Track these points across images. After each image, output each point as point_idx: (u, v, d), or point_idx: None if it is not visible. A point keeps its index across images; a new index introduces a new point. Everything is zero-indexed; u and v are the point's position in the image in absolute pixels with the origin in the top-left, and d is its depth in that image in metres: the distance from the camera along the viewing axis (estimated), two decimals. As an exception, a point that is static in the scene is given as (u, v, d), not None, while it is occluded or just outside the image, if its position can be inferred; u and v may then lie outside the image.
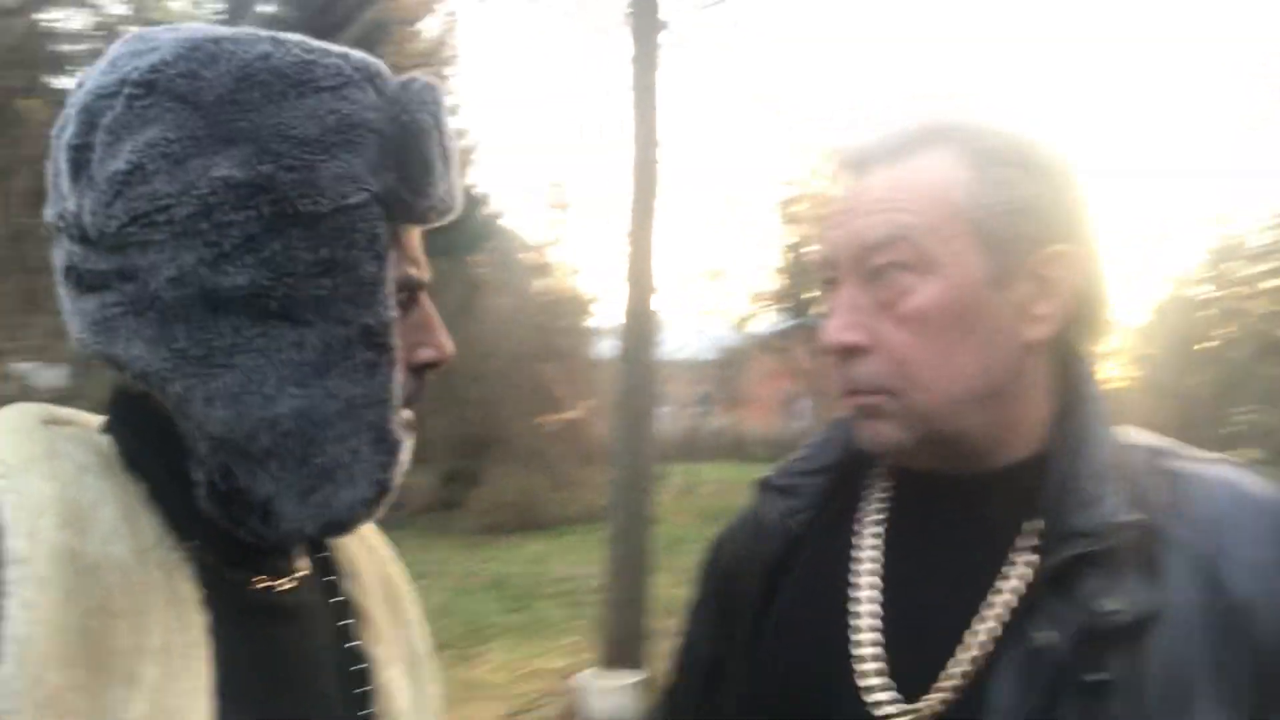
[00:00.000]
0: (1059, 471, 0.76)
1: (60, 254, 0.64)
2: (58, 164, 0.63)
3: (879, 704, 0.75)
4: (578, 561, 10.13)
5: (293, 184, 0.60)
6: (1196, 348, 14.28)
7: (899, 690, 0.75)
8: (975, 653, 0.73)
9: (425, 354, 0.70)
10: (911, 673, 0.75)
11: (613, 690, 5.08)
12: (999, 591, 0.75)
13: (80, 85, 0.64)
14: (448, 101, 0.69)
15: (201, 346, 0.60)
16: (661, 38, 5.66)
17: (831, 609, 0.81)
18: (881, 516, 0.85)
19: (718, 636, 0.93)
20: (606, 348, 15.11)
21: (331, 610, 0.75)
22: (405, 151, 0.64)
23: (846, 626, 0.79)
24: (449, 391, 13.66)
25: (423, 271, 0.70)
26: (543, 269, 17.39)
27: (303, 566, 0.73)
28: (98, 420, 0.70)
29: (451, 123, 0.69)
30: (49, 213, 0.64)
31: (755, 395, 24.05)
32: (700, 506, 14.98)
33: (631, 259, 5.52)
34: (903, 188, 0.76)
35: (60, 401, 0.70)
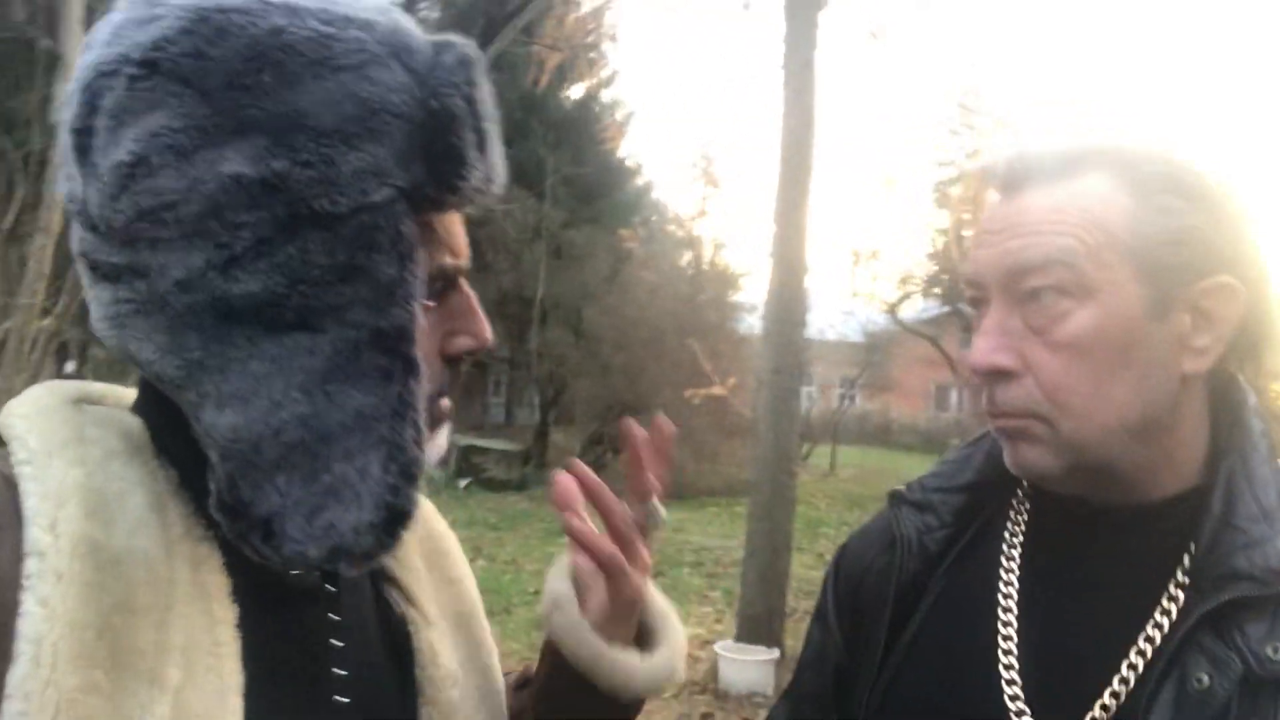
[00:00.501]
0: (1218, 509, 0.73)
1: (74, 236, 0.60)
2: (63, 143, 0.58)
3: None
4: (716, 534, 10.25)
5: (309, 182, 0.55)
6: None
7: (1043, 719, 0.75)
8: (1126, 688, 0.72)
9: (462, 342, 0.66)
10: (1057, 704, 0.75)
11: (751, 664, 5.13)
12: (1155, 627, 0.73)
13: (84, 54, 0.58)
14: (484, 75, 0.62)
15: (216, 357, 0.56)
16: (820, 16, 5.56)
17: (977, 633, 0.81)
18: (1024, 540, 0.84)
19: (847, 644, 0.94)
20: (753, 323, 15.04)
21: (367, 577, 0.73)
22: (435, 140, 0.58)
23: (994, 650, 0.79)
24: (594, 357, 13.97)
25: (460, 258, 0.66)
26: (691, 242, 17.43)
27: None
28: (131, 395, 0.67)
29: (490, 96, 0.62)
30: (61, 188, 0.60)
31: (902, 382, 23.39)
32: (841, 489, 14.81)
33: (781, 237, 5.48)
34: (1061, 210, 0.74)
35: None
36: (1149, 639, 0.73)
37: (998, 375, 0.77)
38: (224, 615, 0.60)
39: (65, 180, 0.59)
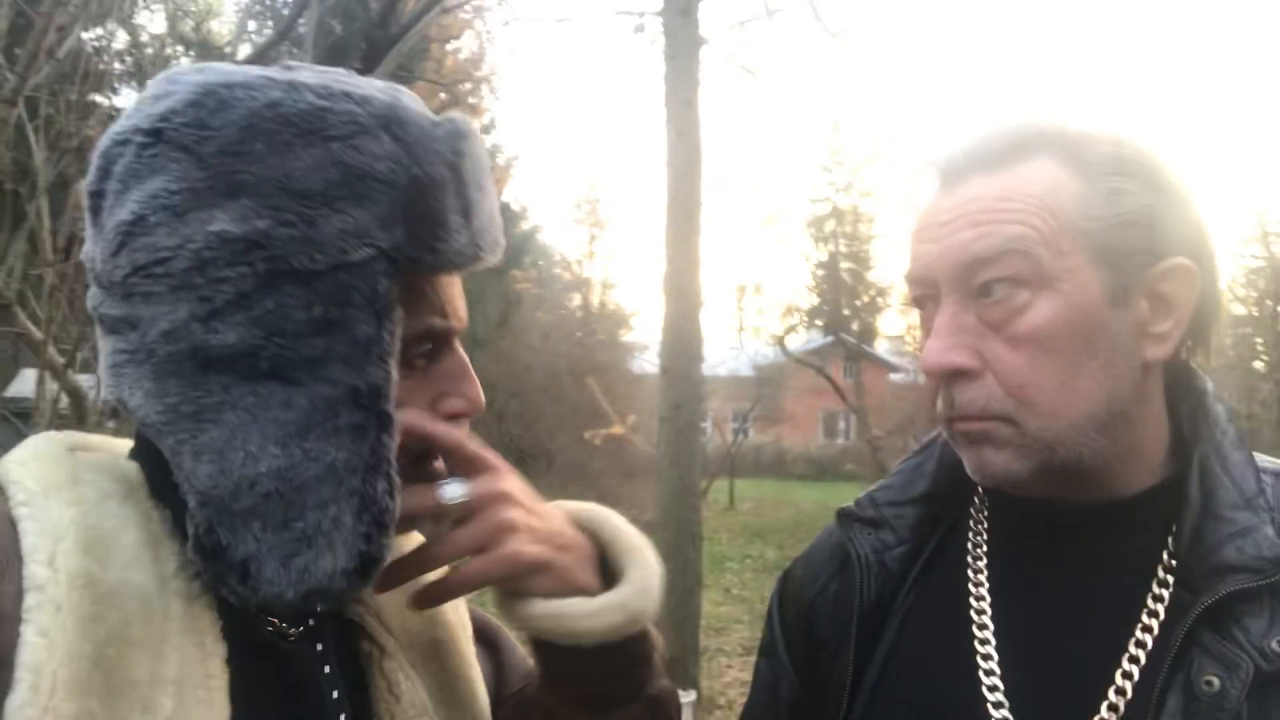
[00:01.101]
0: (1196, 500, 0.70)
1: (89, 294, 0.64)
2: (84, 207, 0.63)
3: None
4: (619, 578, 10.10)
5: (289, 240, 0.58)
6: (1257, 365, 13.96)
7: None
8: (1124, 697, 0.68)
9: (453, 405, 0.67)
10: (1052, 717, 0.70)
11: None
12: (1144, 630, 0.69)
13: (110, 128, 0.64)
14: (476, 146, 0.65)
15: (192, 403, 0.59)
16: (702, 53, 5.67)
17: (954, 652, 0.76)
18: (989, 549, 0.80)
19: (801, 678, 0.88)
20: (646, 363, 15.11)
21: (337, 624, 0.73)
22: (415, 206, 0.61)
23: (974, 668, 0.74)
24: (489, 405, 13.74)
25: (452, 320, 0.67)
26: (580, 284, 17.45)
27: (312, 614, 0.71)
28: (126, 446, 0.69)
29: (481, 167, 0.65)
30: (85, 251, 0.64)
31: (792, 412, 23.89)
32: (741, 523, 14.91)
33: (674, 271, 5.50)
34: (1011, 197, 0.71)
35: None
36: (1140, 643, 0.69)
37: (955, 376, 0.72)
38: (215, 649, 0.61)
39: (87, 242, 0.63)
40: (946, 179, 0.75)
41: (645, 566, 0.74)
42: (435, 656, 0.77)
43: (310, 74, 0.63)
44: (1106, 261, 0.70)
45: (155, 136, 0.59)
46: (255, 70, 0.63)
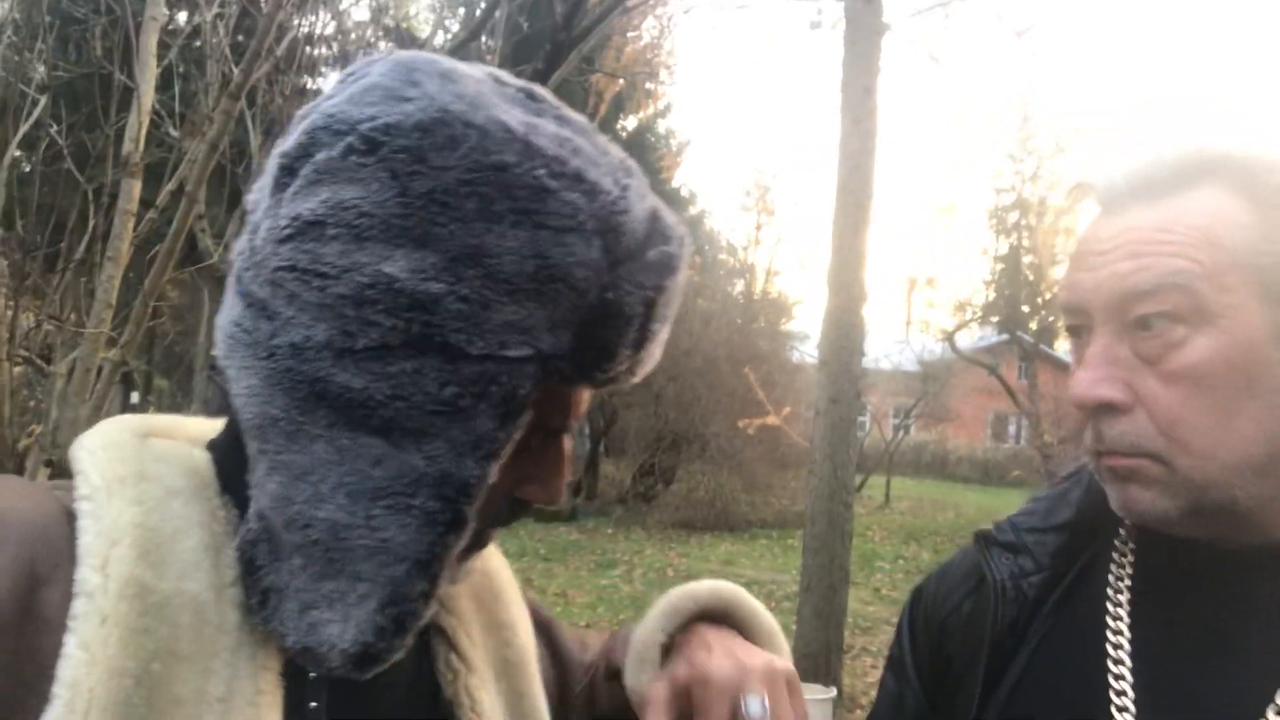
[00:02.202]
0: None
1: (239, 243, 0.61)
2: (271, 160, 0.60)
3: None
4: (769, 567, 10.10)
5: (457, 314, 0.54)
6: None
7: None
8: None
9: (532, 492, 0.65)
10: None
11: (808, 703, 4.99)
12: None
13: (333, 94, 0.60)
14: (679, 280, 0.62)
15: (292, 424, 0.56)
16: (884, 40, 5.52)
17: (1087, 685, 0.75)
18: (1131, 584, 0.78)
19: (927, 694, 0.88)
20: (807, 353, 14.89)
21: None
22: (595, 328, 0.57)
23: (1106, 705, 0.73)
24: (646, 387, 13.93)
25: (571, 418, 0.65)
26: (744, 270, 17.36)
27: None
28: (202, 428, 0.67)
29: (674, 299, 0.62)
30: (250, 197, 0.61)
31: (959, 412, 22.96)
32: (896, 522, 14.51)
33: (839, 264, 5.41)
34: (1173, 229, 0.68)
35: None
36: None
37: (1105, 410, 0.71)
38: (270, 663, 0.59)
39: (256, 191, 0.61)
40: (1108, 205, 0.74)
41: (781, 652, 0.77)
42: (506, 676, 0.76)
43: (551, 127, 0.58)
44: (1274, 298, 0.67)
45: (370, 146, 0.55)
46: (496, 106, 0.57)
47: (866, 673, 6.36)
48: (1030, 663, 0.79)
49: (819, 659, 5.18)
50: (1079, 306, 0.74)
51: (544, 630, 0.86)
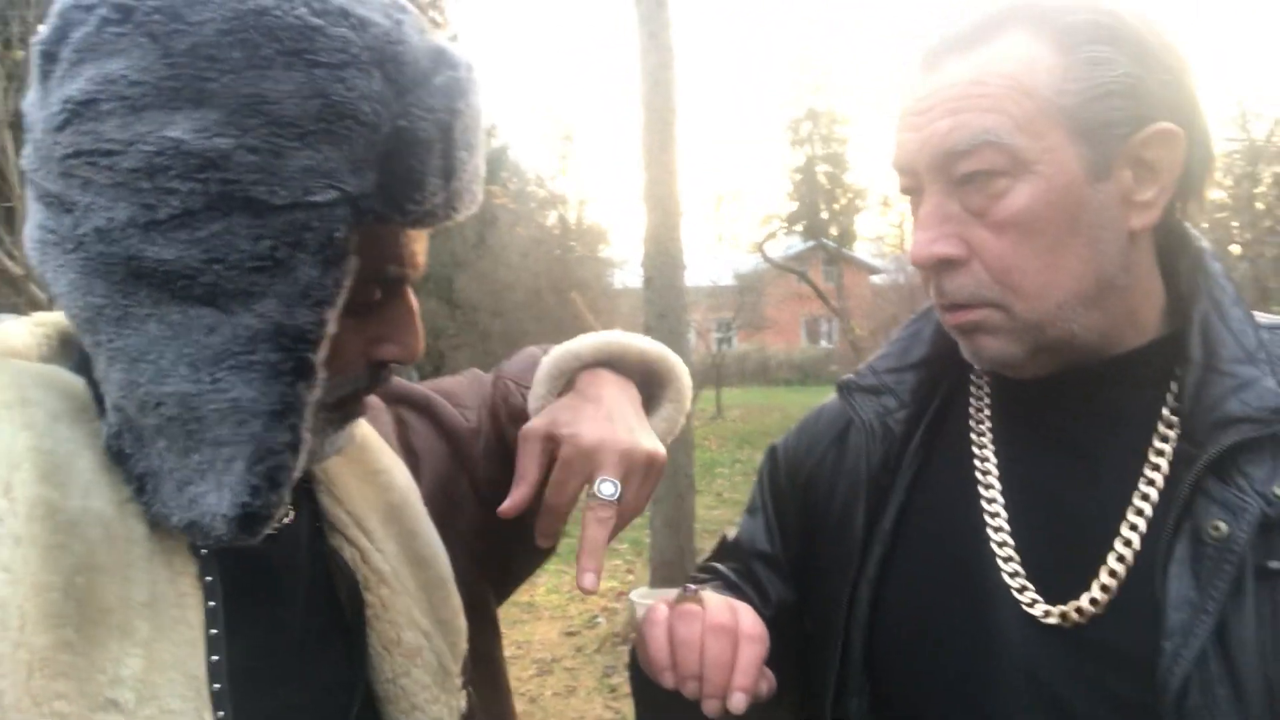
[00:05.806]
0: (1198, 355, 0.71)
1: (25, 152, 0.59)
2: (32, 55, 0.58)
3: (1034, 603, 0.72)
4: (612, 488, 10.27)
5: (251, 167, 0.53)
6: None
7: (1051, 589, 0.72)
8: (1132, 549, 0.70)
9: (387, 350, 0.66)
10: (1062, 572, 0.72)
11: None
12: (1149, 483, 0.71)
13: None
14: (474, 103, 0.61)
15: (117, 309, 0.56)
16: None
17: (962, 513, 0.78)
18: (991, 411, 0.82)
19: (783, 538, 0.92)
20: (626, 278, 15.03)
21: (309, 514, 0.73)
22: (393, 159, 0.57)
23: (982, 529, 0.76)
24: (471, 326, 13.71)
25: (408, 268, 0.64)
26: (556, 201, 17.23)
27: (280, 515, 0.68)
28: (17, 331, 0.66)
29: (476, 125, 0.61)
30: (26, 106, 0.59)
31: (775, 319, 23.98)
32: (730, 430, 15.11)
33: (652, 181, 5.43)
34: (986, 80, 0.70)
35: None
36: (1144, 496, 0.71)
37: (942, 265, 0.73)
38: (185, 567, 0.61)
39: (30, 95, 0.59)
40: (925, 62, 0.74)
41: (677, 385, 0.91)
42: (394, 520, 0.76)
43: None
44: (1086, 137, 0.69)
45: (123, 14, 0.53)
46: None
47: (717, 573, 6.65)
48: (909, 494, 0.82)
49: (674, 565, 5.35)
50: (908, 166, 0.75)
51: (425, 410, 0.88)
